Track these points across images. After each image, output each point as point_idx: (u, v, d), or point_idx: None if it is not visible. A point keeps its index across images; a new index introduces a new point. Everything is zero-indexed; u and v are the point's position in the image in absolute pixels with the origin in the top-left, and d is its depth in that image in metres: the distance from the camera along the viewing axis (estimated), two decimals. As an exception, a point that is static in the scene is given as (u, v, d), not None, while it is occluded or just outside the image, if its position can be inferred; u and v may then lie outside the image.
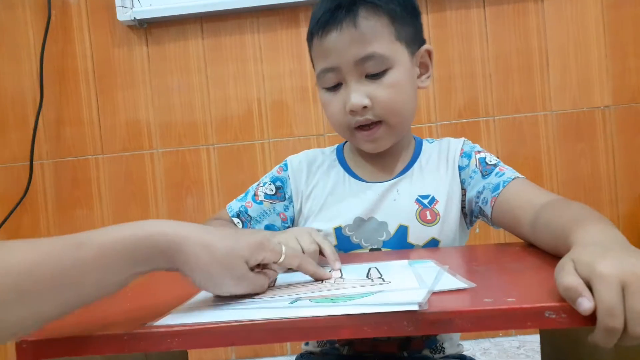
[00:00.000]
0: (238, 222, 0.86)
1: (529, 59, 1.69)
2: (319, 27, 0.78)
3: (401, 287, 0.50)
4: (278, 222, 0.88)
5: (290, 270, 0.61)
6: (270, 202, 0.88)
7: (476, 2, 1.69)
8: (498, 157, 0.83)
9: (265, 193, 0.88)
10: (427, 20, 1.69)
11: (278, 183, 0.89)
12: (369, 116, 0.77)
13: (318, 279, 0.57)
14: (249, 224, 0.86)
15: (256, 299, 0.50)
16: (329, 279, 0.57)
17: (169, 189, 1.77)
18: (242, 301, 0.50)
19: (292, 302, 0.47)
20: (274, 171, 0.91)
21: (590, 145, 1.69)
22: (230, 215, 0.87)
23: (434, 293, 0.47)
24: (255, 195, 0.88)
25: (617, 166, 1.69)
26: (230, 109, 1.75)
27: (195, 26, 1.74)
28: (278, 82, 1.74)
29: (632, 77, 1.68)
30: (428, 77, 0.85)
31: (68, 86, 1.77)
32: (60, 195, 1.79)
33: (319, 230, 0.77)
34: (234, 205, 0.88)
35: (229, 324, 0.44)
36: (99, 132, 1.78)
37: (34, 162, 1.76)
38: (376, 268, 0.61)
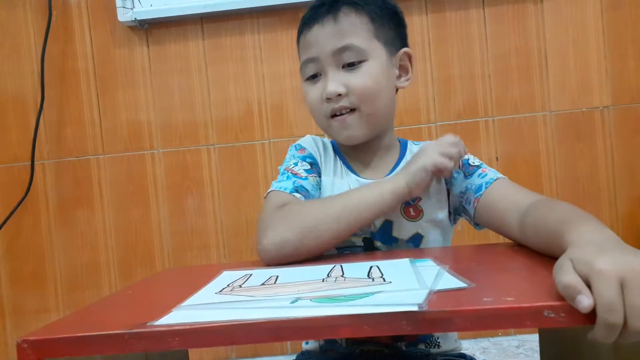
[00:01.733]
0: (300, 197, 0.80)
1: (528, 60, 1.70)
2: (304, 24, 0.84)
3: (401, 288, 0.50)
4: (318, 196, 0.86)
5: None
6: (313, 176, 0.85)
7: (476, 2, 1.70)
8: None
9: (305, 169, 0.86)
10: (427, 21, 1.69)
11: (309, 160, 0.87)
12: (344, 103, 0.81)
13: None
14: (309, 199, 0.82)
15: (257, 298, 0.50)
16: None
17: (170, 189, 1.77)
18: (243, 301, 0.50)
19: (292, 302, 0.47)
20: (295, 153, 0.89)
21: (589, 146, 1.69)
22: (288, 192, 0.80)
23: (434, 292, 0.47)
24: (296, 175, 0.84)
25: (616, 166, 1.69)
26: (231, 109, 1.76)
27: (196, 27, 1.75)
28: (278, 82, 1.74)
29: (631, 78, 1.68)
30: (408, 79, 0.87)
31: (69, 86, 1.77)
32: (61, 196, 1.79)
33: None
34: (285, 185, 0.82)
35: (229, 324, 0.44)
36: (99, 133, 1.78)
37: (35, 162, 1.76)
38: (377, 267, 0.61)
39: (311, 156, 0.88)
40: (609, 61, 1.68)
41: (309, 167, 0.86)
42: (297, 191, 0.80)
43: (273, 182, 0.84)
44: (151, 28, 1.75)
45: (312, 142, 0.92)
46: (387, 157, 0.89)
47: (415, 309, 0.42)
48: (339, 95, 0.80)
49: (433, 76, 1.69)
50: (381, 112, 0.84)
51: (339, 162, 0.89)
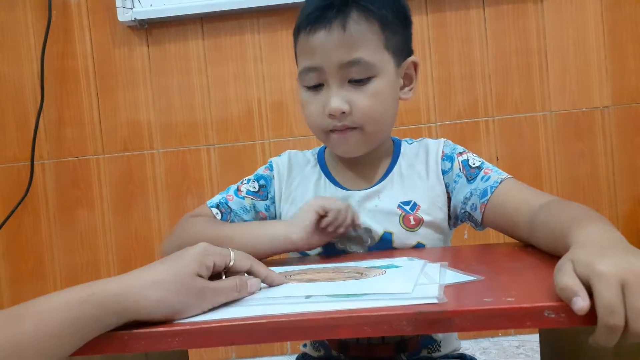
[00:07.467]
0: (217, 213, 0.84)
1: (528, 60, 1.70)
2: (308, 23, 0.76)
3: (411, 281, 0.50)
4: (252, 217, 0.88)
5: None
6: (252, 199, 0.87)
7: (476, 2, 1.69)
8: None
9: (248, 189, 0.88)
10: (427, 21, 1.69)
11: (262, 182, 0.89)
12: (347, 122, 0.76)
13: (270, 284, 0.55)
14: (228, 216, 0.85)
15: (273, 294, 0.51)
16: (280, 284, 0.55)
17: (170, 189, 1.77)
18: (260, 298, 0.50)
19: (307, 297, 0.47)
20: (260, 170, 0.91)
21: (589, 146, 1.69)
22: (209, 206, 0.85)
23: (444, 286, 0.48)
24: (238, 190, 0.88)
25: (616, 166, 1.69)
26: (231, 109, 1.75)
27: (196, 26, 1.74)
28: (278, 82, 1.74)
29: (631, 78, 1.68)
30: (411, 89, 0.83)
31: (69, 86, 1.77)
32: (61, 196, 1.79)
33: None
34: (214, 198, 0.87)
35: (229, 324, 0.44)
36: (99, 132, 1.78)
37: (34, 162, 1.76)
38: (376, 266, 0.61)
39: (267, 179, 0.89)
40: (609, 61, 1.68)
41: (256, 189, 0.88)
42: (217, 207, 0.85)
43: None
44: (151, 28, 1.75)
45: (285, 163, 0.89)
46: (378, 166, 0.85)
47: (434, 301, 0.43)
48: (343, 113, 0.75)
49: (433, 76, 1.69)
50: (383, 130, 0.82)
51: (322, 177, 0.86)
